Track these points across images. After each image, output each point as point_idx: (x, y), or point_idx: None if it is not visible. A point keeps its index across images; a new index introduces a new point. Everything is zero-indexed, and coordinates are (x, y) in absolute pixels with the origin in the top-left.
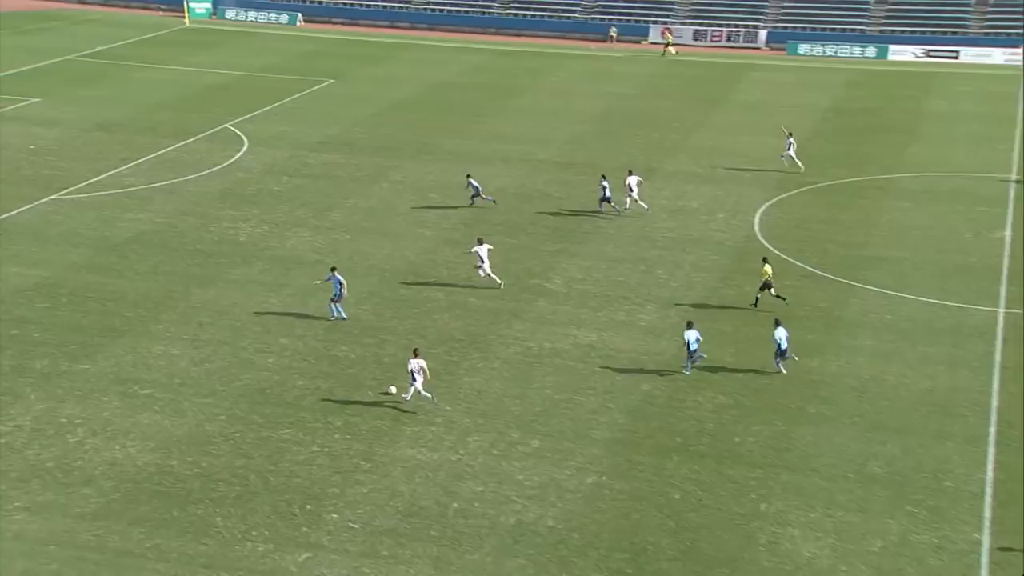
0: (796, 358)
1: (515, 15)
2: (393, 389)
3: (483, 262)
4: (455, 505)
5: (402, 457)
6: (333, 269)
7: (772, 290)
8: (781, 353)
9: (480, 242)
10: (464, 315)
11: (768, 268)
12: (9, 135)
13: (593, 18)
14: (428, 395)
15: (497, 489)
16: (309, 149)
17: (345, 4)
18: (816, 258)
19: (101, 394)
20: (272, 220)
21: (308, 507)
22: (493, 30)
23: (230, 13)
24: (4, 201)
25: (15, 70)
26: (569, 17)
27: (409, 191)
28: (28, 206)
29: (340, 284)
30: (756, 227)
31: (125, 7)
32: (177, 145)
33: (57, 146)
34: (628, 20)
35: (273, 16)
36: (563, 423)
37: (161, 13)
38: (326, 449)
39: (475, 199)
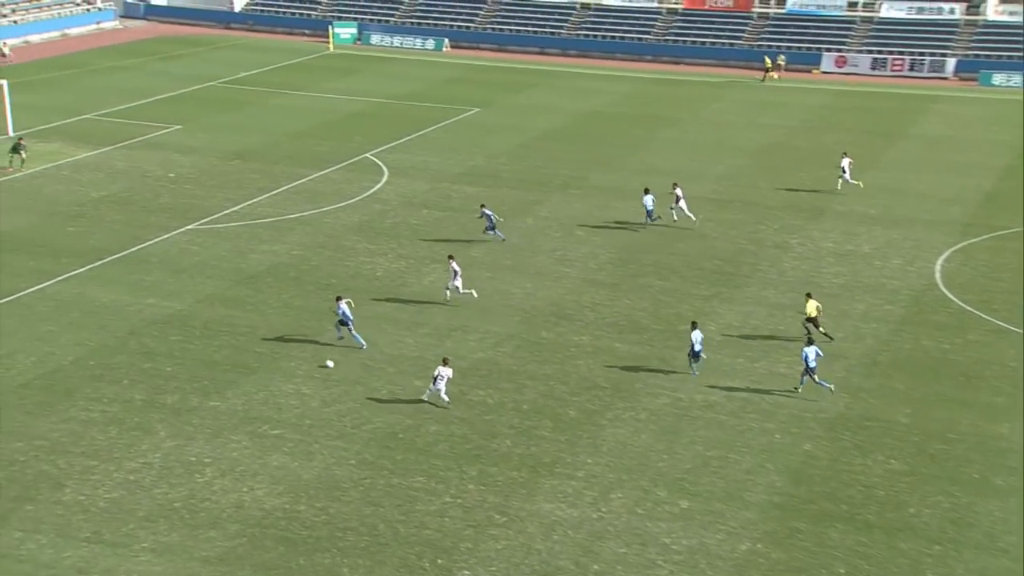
0: (831, 388)
1: (673, 42)
2: (330, 363)
3: (456, 276)
4: (595, 567)
5: (539, 512)
6: (339, 299)
7: (820, 328)
8: (809, 371)
9: (451, 258)
10: (609, 361)
11: (813, 304)
12: (150, 162)
13: (759, 45)
14: (446, 399)
15: (641, 552)
16: (450, 181)
17: (493, 30)
18: (1006, 312)
19: (231, 433)
20: (410, 255)
21: (439, 561)
22: (649, 57)
23: (375, 39)
24: (143, 230)
25: (158, 96)
26: (732, 44)
27: (554, 227)
28: (165, 235)
29: (345, 312)
30: (937, 275)
31: (269, 32)
32: (315, 175)
33: (195, 174)
34: (799, 47)
35: (419, 42)
36: (715, 483)
37: (305, 38)
38: (459, 500)
39: (489, 231)
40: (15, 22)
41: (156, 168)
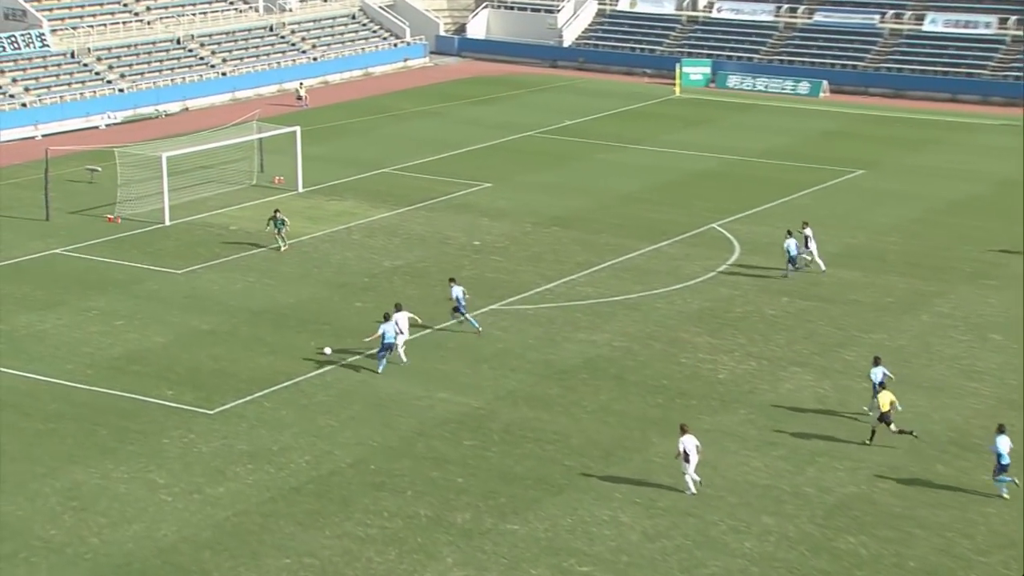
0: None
1: None
2: (328, 350)
3: (401, 333)
4: None
5: None
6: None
7: (892, 425)
8: (1002, 468)
9: (399, 308)
10: None
11: (886, 397)
12: (453, 227)
13: None
14: (694, 478)
15: None
16: (829, 264)
17: (888, 70)
18: None
19: (530, 565)
20: (763, 354)
21: None
22: None
23: (733, 80)
24: (438, 308)
25: (467, 148)
26: None
27: (959, 327)
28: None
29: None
30: None
31: (603, 72)
32: (647, 248)
33: (504, 243)
34: None
35: (789, 84)
36: None
37: (647, 80)
38: None
39: (457, 314)
40: (314, 59)
41: (459, 234)
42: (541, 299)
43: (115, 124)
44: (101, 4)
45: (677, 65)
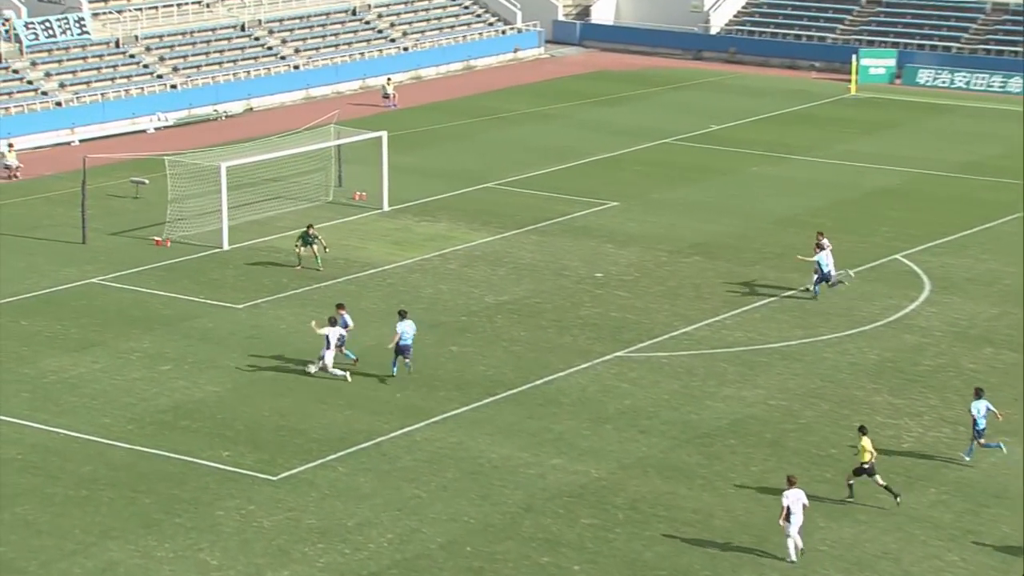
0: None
1: None
2: (313, 368)
3: (327, 348)
4: None
5: None
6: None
7: (878, 477)
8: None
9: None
10: None
11: (867, 443)
12: (572, 253)
13: None
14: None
15: None
16: None
17: None
18: None
19: None
20: (960, 419)
21: None
22: None
23: (924, 75)
24: (553, 355)
25: (589, 158)
26: None
27: None
28: (584, 365)
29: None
30: None
31: (760, 66)
32: (813, 284)
33: (634, 275)
34: None
35: (996, 81)
36: None
37: (815, 75)
38: None
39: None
40: (405, 49)
41: (578, 263)
42: (678, 345)
43: (166, 127)
44: None
45: (853, 57)
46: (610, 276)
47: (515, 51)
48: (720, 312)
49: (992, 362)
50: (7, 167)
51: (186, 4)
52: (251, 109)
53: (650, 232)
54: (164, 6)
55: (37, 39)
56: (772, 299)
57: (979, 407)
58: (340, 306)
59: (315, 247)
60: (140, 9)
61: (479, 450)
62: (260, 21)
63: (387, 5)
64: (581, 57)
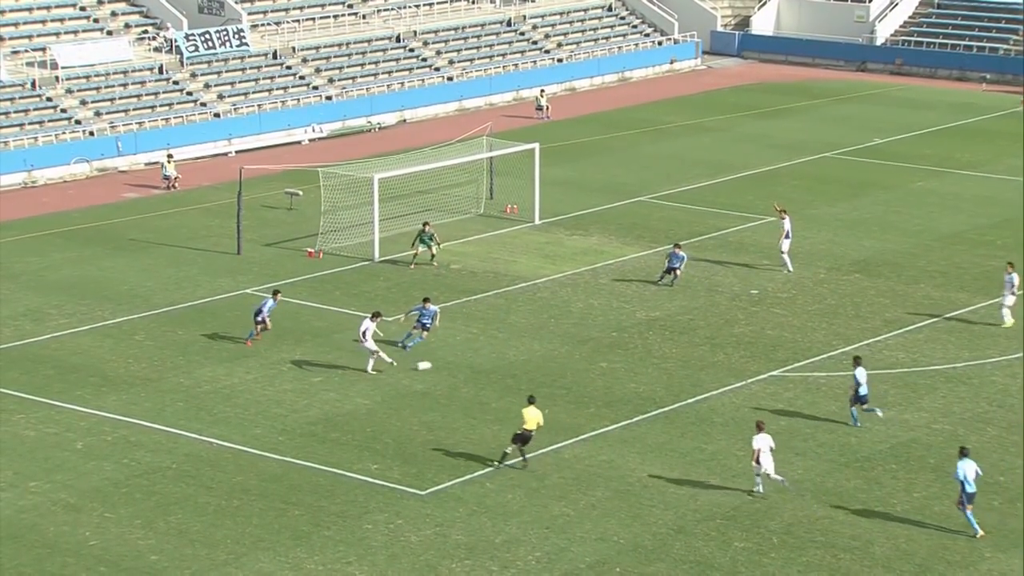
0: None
1: None
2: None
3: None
4: None
5: None
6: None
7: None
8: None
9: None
10: None
11: (529, 413)
12: (725, 271)
13: None
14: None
15: None
16: None
17: None
18: None
19: None
20: None
21: None
22: None
23: None
24: (705, 373)
25: (745, 172)
26: None
27: None
28: (737, 384)
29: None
30: None
31: (928, 77)
32: (982, 304)
33: (791, 292)
34: None
35: None
36: None
37: (985, 87)
38: None
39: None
40: (559, 61)
41: (733, 280)
42: (837, 365)
43: (320, 139)
44: None
45: None
46: (766, 293)
47: (671, 62)
48: (881, 332)
49: None
50: (166, 178)
51: (343, 16)
52: (404, 121)
53: (808, 248)
54: (321, 18)
55: (197, 51)
56: (936, 319)
57: (860, 375)
58: (426, 299)
59: (433, 247)
60: (297, 21)
61: (629, 469)
62: (415, 33)
63: (542, 16)
64: (739, 68)
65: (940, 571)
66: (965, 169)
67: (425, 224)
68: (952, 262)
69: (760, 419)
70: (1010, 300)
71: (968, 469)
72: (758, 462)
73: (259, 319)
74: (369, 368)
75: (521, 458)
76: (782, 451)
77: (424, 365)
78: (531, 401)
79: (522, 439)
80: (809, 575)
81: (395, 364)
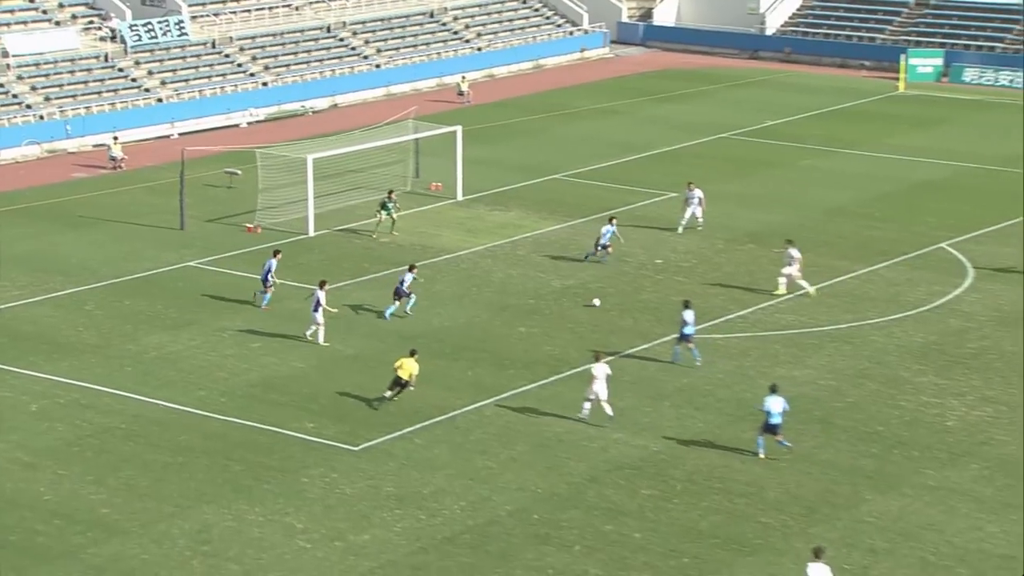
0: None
1: None
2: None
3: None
4: None
5: None
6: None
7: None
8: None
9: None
10: None
11: (409, 364)
12: (632, 242)
13: None
14: (610, 412)
15: None
16: None
17: None
18: None
19: None
20: (1001, 398)
21: None
22: None
23: (969, 74)
24: (614, 335)
25: (650, 152)
26: None
27: None
28: (644, 345)
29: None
30: None
31: (813, 65)
32: (861, 271)
33: (691, 262)
34: None
35: None
36: None
37: (864, 73)
38: None
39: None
40: (479, 50)
41: (639, 251)
42: (733, 327)
43: (257, 122)
44: None
45: (902, 56)
46: (669, 263)
47: (582, 51)
48: (772, 297)
49: None
50: (112, 159)
51: (277, 7)
52: (336, 105)
53: (707, 222)
54: (257, 9)
55: (140, 40)
56: (823, 285)
57: (688, 316)
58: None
59: (394, 213)
60: (235, 12)
61: (547, 425)
62: (344, 23)
63: (462, 8)
64: (644, 57)
65: (826, 512)
66: (848, 148)
67: (390, 192)
68: (835, 233)
69: (598, 350)
70: (787, 271)
71: (774, 404)
72: (593, 388)
73: (268, 282)
74: (307, 333)
75: (392, 396)
76: (684, 407)
77: (596, 302)
78: (412, 353)
79: (397, 383)
80: (709, 518)
81: (328, 346)
